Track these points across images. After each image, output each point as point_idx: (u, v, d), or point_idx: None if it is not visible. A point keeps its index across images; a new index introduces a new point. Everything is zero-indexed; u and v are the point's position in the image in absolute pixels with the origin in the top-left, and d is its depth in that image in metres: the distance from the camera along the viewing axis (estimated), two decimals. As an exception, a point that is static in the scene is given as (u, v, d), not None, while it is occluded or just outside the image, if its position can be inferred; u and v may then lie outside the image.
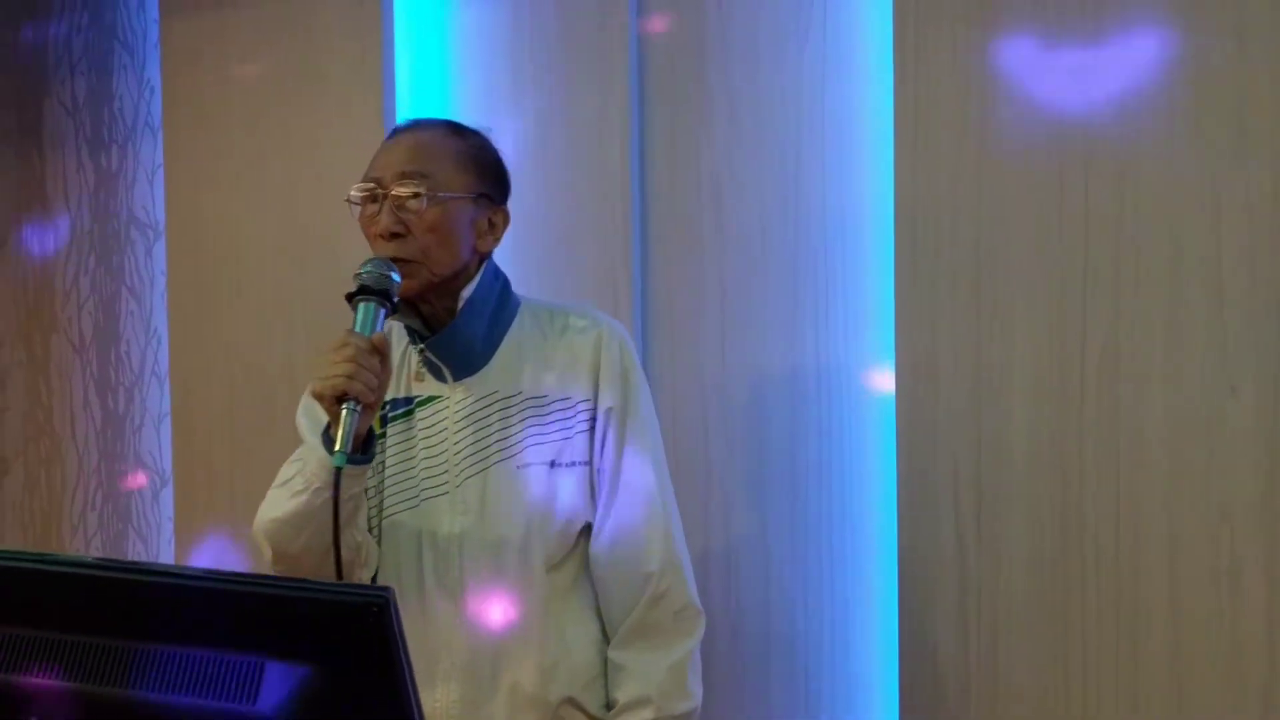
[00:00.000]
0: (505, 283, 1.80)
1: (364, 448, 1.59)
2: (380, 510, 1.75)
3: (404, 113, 2.54)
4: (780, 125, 2.24)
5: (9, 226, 3.19)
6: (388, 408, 1.77)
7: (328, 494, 1.55)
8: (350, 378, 1.53)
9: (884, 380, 2.17)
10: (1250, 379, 1.89)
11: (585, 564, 1.79)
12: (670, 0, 2.31)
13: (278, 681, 0.82)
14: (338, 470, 1.53)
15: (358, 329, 1.58)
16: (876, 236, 2.18)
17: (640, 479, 1.76)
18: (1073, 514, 1.99)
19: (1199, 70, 1.91)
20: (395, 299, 1.61)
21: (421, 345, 1.74)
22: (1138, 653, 1.96)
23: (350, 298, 1.61)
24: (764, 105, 2.25)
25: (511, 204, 1.81)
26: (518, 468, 1.73)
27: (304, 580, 1.05)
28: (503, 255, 1.83)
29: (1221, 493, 1.91)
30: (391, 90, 2.53)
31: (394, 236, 1.66)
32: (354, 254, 1.78)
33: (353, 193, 1.72)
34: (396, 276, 1.61)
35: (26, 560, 0.94)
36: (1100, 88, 1.96)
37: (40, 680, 0.90)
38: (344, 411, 1.54)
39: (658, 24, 2.33)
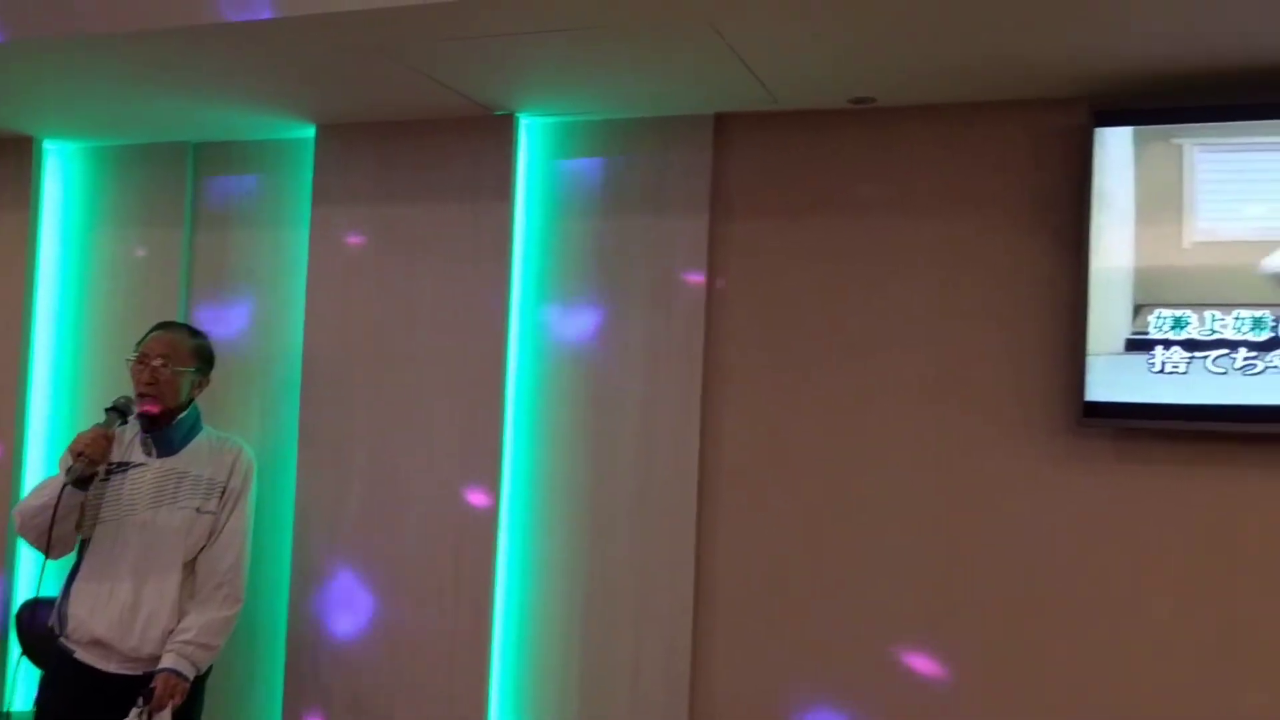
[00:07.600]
0: (199, 415, 3.25)
1: (84, 484, 3.00)
2: (97, 519, 3.12)
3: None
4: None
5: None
6: (114, 466, 3.13)
7: (54, 500, 2.94)
8: (88, 444, 2.95)
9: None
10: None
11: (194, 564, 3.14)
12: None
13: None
14: (63, 486, 2.94)
15: (104, 425, 3.01)
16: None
17: (236, 525, 3.18)
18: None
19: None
20: (129, 417, 3.07)
21: (148, 434, 3.14)
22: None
23: (106, 410, 3.05)
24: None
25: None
26: (179, 508, 3.13)
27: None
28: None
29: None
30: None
31: (150, 385, 3.11)
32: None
33: (131, 358, 3.12)
34: (135, 408, 3.07)
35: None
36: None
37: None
38: (73, 460, 2.95)
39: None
